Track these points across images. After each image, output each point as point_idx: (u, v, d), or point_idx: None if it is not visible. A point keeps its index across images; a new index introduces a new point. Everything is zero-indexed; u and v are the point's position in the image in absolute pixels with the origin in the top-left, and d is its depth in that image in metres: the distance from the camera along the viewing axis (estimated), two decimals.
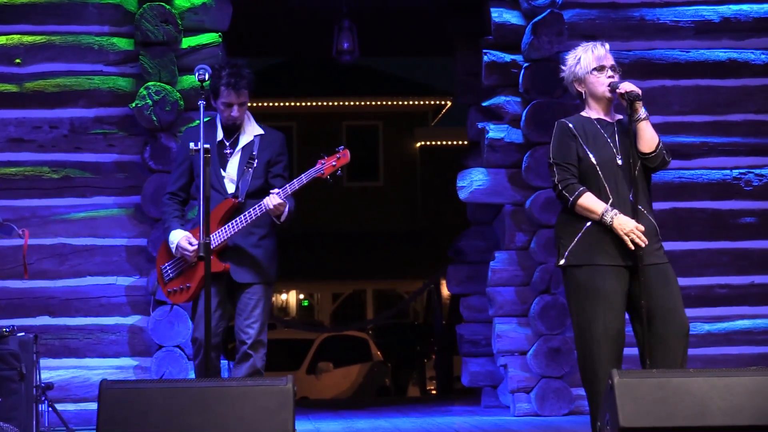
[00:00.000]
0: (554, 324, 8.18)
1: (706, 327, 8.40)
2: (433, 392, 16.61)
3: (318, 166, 5.90)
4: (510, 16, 8.41)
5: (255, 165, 6.00)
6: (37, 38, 8.16)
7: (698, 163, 8.52)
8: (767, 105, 8.55)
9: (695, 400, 4.73)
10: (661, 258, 5.39)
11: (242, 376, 5.94)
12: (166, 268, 6.17)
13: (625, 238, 5.23)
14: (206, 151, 5.50)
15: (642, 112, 5.36)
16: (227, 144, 6.09)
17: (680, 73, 8.50)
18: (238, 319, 6.04)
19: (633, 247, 5.23)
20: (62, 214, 8.14)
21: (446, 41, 9.89)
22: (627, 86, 5.36)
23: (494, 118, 8.59)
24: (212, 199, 6.01)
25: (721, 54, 8.56)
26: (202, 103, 5.66)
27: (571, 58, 5.55)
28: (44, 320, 8.02)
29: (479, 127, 8.69)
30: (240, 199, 5.99)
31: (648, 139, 5.39)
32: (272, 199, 5.87)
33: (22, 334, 6.58)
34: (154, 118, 7.96)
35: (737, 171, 8.51)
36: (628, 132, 5.39)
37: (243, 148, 6.06)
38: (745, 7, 8.56)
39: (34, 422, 6.47)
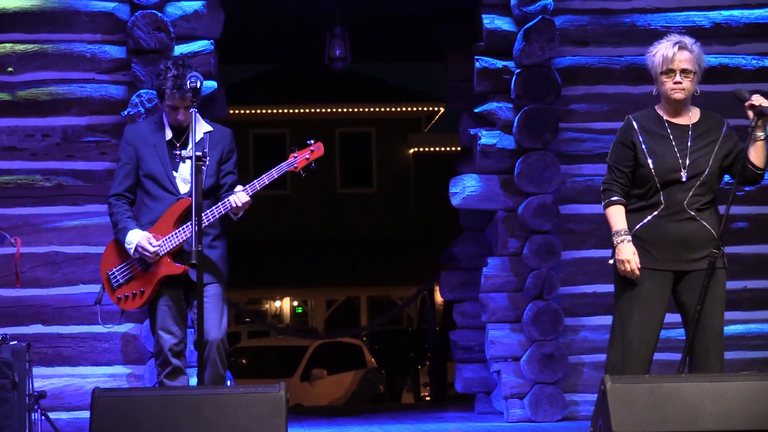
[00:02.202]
0: (547, 330, 8.17)
1: None
2: (427, 398, 16.58)
3: (290, 159, 5.78)
4: (501, 23, 8.42)
5: (207, 162, 5.68)
6: (29, 46, 8.15)
7: None
8: None
9: (688, 406, 4.75)
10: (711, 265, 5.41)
11: (207, 381, 5.73)
12: (114, 273, 5.96)
13: (620, 266, 5.35)
14: (198, 158, 5.46)
15: (766, 131, 5.40)
16: (177, 144, 5.93)
17: None
18: (204, 323, 5.65)
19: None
20: (55, 222, 8.12)
21: (438, 48, 9.90)
22: (760, 100, 5.38)
23: (486, 124, 8.60)
24: (164, 201, 5.89)
25: (713, 59, 8.56)
26: (194, 111, 5.65)
27: (650, 54, 5.51)
28: (37, 328, 8.00)
29: (471, 133, 8.70)
30: None
31: (762, 157, 5.50)
32: (240, 197, 5.73)
33: (15, 342, 6.57)
34: None
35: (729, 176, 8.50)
36: (707, 135, 5.51)
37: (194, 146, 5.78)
38: (735, 12, 8.57)
39: (27, 431, 6.46)
